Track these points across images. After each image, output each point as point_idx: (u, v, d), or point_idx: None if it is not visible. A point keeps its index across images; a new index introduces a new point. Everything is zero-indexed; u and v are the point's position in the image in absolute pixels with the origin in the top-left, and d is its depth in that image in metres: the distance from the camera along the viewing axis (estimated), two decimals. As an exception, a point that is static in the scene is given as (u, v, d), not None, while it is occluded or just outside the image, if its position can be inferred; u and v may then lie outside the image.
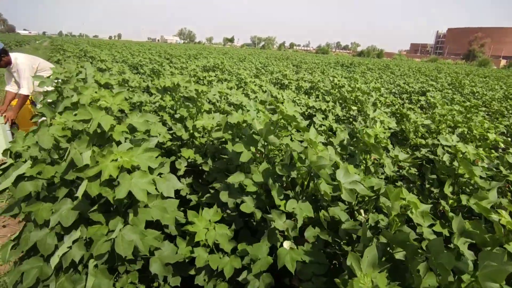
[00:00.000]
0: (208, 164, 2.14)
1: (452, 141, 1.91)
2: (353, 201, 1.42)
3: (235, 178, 1.74)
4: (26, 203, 1.45)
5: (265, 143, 1.95)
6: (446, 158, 2.03)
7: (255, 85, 4.98)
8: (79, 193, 1.18)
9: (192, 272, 1.57)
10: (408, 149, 3.21)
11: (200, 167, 2.37)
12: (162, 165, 1.56)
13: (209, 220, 1.64)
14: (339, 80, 5.37)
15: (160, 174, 1.44)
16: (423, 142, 3.17)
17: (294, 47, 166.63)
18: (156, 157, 1.44)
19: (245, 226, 1.76)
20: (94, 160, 1.28)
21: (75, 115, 1.55)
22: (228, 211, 1.83)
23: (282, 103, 2.22)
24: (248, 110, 2.84)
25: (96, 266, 1.30)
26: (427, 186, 2.22)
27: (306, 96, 6.10)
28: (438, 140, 2.71)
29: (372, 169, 1.81)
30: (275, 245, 1.47)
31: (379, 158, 1.75)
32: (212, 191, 1.98)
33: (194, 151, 2.37)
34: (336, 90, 4.65)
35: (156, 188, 1.36)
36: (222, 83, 5.69)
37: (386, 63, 25.86)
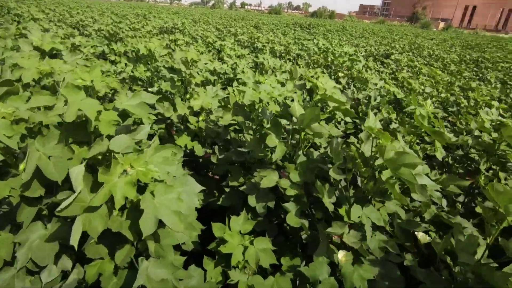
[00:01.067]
0: (217, 155, 1.73)
1: (492, 115, 1.73)
2: (426, 200, 1.16)
3: (268, 181, 1.36)
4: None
5: (299, 129, 1.56)
6: (478, 133, 1.87)
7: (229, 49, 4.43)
8: (73, 240, 0.74)
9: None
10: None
11: (200, 159, 1.96)
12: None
13: (240, 231, 1.29)
14: (323, 44, 5.01)
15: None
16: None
17: (246, 6, 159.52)
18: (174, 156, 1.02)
19: (279, 233, 1.44)
20: (89, 180, 0.83)
21: (29, 100, 1.03)
22: (251, 216, 1.48)
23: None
24: (244, 83, 2.40)
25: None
26: (451, 162, 2.08)
27: (281, 60, 5.69)
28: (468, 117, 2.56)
29: (421, 155, 1.58)
30: (332, 261, 1.19)
31: (442, 143, 1.51)
32: (227, 189, 1.60)
33: (190, 138, 1.93)
34: (321, 54, 4.31)
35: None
36: (189, 47, 5.00)
37: (342, 25, 25.80)
